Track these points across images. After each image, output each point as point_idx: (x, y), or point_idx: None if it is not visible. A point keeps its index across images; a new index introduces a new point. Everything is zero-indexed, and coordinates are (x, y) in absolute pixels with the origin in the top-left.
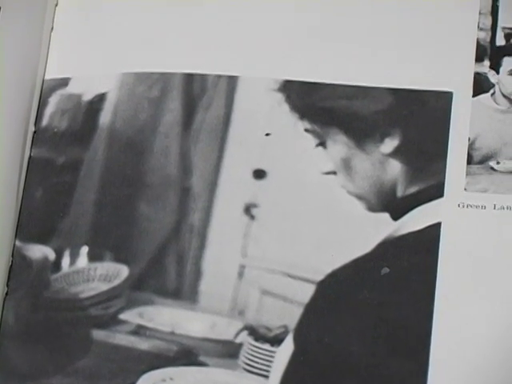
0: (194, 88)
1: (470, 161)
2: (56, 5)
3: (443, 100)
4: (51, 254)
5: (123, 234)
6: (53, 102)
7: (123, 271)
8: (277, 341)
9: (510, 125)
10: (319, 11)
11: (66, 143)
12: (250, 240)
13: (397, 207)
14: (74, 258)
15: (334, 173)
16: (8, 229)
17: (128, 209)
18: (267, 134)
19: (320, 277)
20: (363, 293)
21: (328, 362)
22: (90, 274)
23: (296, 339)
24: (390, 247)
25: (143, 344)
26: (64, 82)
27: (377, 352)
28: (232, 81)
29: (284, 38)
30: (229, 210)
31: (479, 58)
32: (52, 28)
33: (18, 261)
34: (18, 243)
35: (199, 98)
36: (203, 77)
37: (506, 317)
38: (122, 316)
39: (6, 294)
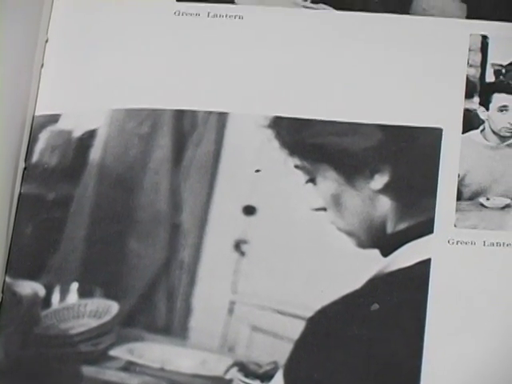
0: (184, 124)
1: (459, 197)
2: (46, 41)
3: (433, 136)
4: (41, 291)
5: (113, 270)
6: (43, 138)
7: (113, 307)
8: (267, 377)
9: (499, 161)
10: (309, 48)
11: (56, 179)
12: (240, 276)
13: (387, 243)
14: (64, 294)
15: (324, 209)
16: None
17: (118, 245)
18: (257, 171)
19: (310, 313)
20: (353, 329)
21: None
22: (80, 310)
23: (286, 375)
24: (379, 283)
25: (133, 380)
26: (54, 119)
27: None
28: (222, 117)
29: (274, 75)
30: (219, 246)
31: (469, 95)
32: (42, 64)
33: (8, 297)
34: (8, 279)
35: (189, 135)
36: (193, 113)
37: (496, 353)
38: (112, 352)
39: None
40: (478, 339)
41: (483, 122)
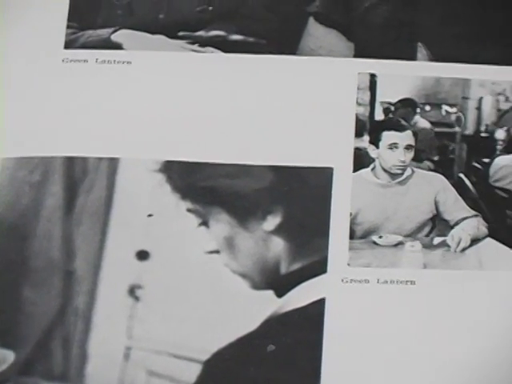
0: (75, 171)
1: (352, 236)
2: None
3: (324, 176)
4: None
5: (8, 319)
6: None
7: (9, 356)
8: None
9: (390, 199)
10: (198, 91)
11: None
12: (136, 321)
13: (281, 284)
14: None
15: (218, 252)
16: None
17: (13, 294)
18: (150, 215)
19: (206, 356)
20: (250, 371)
21: None
22: None
23: None
24: (275, 324)
25: None
26: None
27: None
28: (113, 163)
29: (163, 119)
30: (113, 292)
31: (359, 133)
32: None
33: None
34: None
35: (81, 181)
36: (84, 160)
37: None
38: None
39: None
40: (374, 377)
41: (373, 160)
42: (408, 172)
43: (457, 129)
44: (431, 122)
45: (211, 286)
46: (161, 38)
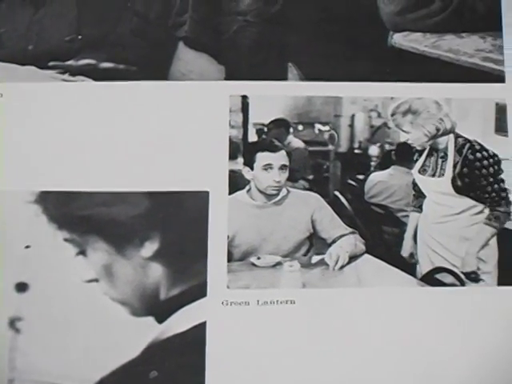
0: None
1: (230, 258)
2: None
3: (200, 200)
4: None
5: None
6: None
7: None
8: None
9: (267, 220)
10: (70, 121)
11: None
12: (17, 353)
13: (161, 310)
14: None
15: (96, 280)
16: None
17: None
18: (27, 247)
19: None
20: None
21: None
22: None
23: None
24: (157, 350)
25: None
26: None
27: None
28: None
29: (37, 150)
30: None
31: (233, 156)
32: None
33: None
34: None
35: None
36: None
37: None
38: None
39: None
40: None
41: (249, 181)
42: (283, 192)
43: (330, 147)
44: (305, 142)
45: (91, 314)
46: (31, 69)
